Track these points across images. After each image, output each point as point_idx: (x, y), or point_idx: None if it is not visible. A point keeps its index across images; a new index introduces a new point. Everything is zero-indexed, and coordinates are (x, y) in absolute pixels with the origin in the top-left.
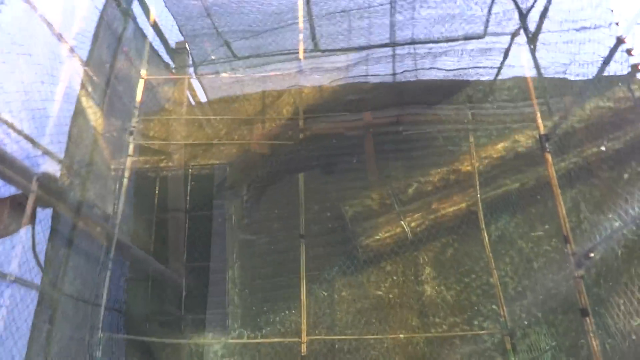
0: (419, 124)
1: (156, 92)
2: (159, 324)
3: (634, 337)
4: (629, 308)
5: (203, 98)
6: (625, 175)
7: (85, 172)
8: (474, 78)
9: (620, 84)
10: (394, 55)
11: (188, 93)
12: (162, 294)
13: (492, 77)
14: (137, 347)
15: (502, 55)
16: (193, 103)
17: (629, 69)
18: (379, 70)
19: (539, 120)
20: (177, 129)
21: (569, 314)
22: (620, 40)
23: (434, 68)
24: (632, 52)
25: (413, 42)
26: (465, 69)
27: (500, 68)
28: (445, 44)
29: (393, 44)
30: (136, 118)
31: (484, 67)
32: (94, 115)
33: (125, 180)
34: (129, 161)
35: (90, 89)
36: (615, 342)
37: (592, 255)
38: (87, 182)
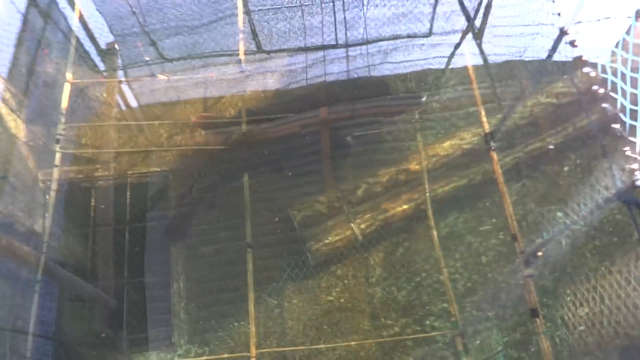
0: (372, 117)
1: (87, 96)
2: (96, 347)
3: (581, 327)
4: (575, 298)
5: (137, 102)
6: (566, 168)
7: (3, 185)
8: (423, 71)
9: (565, 76)
10: (347, 57)
11: (119, 97)
12: (100, 315)
13: (439, 74)
14: None
15: (452, 49)
16: (125, 108)
17: (572, 60)
18: (332, 69)
19: (484, 119)
20: (112, 135)
21: (518, 308)
22: (563, 32)
23: (386, 62)
24: (575, 44)
25: (366, 43)
26: (415, 60)
27: (447, 64)
28: (394, 41)
29: (345, 45)
30: (63, 125)
31: (434, 59)
32: (14, 125)
33: (53, 193)
34: (56, 172)
35: (8, 96)
36: (563, 334)
37: (540, 254)
38: (5, 196)
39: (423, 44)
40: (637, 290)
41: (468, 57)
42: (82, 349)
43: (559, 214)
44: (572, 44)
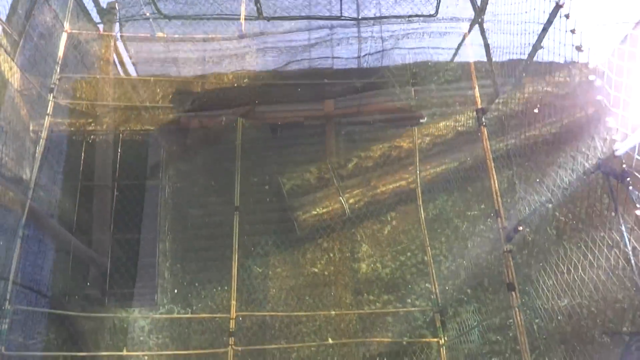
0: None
1: (83, 50)
2: (80, 299)
3: (560, 317)
4: (557, 289)
5: (134, 60)
6: (560, 160)
7: None
8: (431, 59)
9: (564, 64)
10: (359, 38)
11: (115, 55)
12: (85, 268)
13: (447, 59)
14: (56, 323)
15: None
16: (120, 65)
17: (572, 48)
18: (341, 53)
19: (477, 95)
20: (106, 90)
21: (499, 294)
22: (558, 5)
23: (396, 48)
24: (569, 16)
25: (373, 19)
26: (426, 48)
27: (455, 53)
28: (406, 27)
29: (350, 19)
30: (57, 75)
31: (441, 49)
32: (9, 70)
33: (43, 141)
34: (47, 121)
35: (4, 40)
36: (543, 322)
37: (520, 228)
38: None
39: (432, 32)
40: (614, 278)
41: (473, 46)
42: (64, 301)
43: (543, 190)
44: (567, 16)
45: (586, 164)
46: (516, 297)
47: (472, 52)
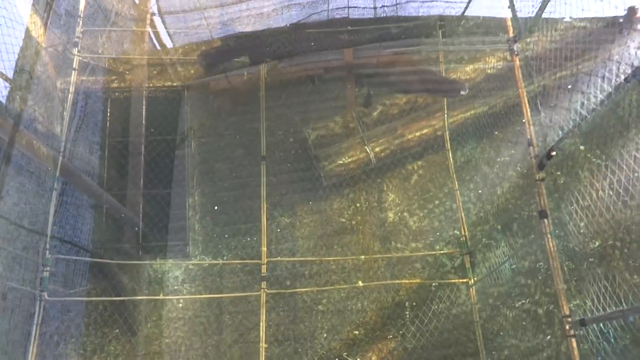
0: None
1: (105, 8)
2: (115, 253)
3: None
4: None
5: (157, 13)
6: (592, 100)
7: (27, 84)
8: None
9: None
10: None
11: (136, 10)
12: (118, 223)
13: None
14: (94, 275)
15: None
16: (157, 34)
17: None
18: (358, 2)
19: (509, 23)
20: (129, 47)
21: (529, 237)
22: None
23: (411, 1)
24: None
25: None
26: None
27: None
28: None
29: None
30: (80, 28)
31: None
32: (34, 25)
33: (70, 96)
34: (74, 76)
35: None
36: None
37: (554, 153)
38: (28, 95)
39: None
40: None
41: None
42: (101, 254)
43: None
44: None
45: (619, 73)
46: (549, 224)
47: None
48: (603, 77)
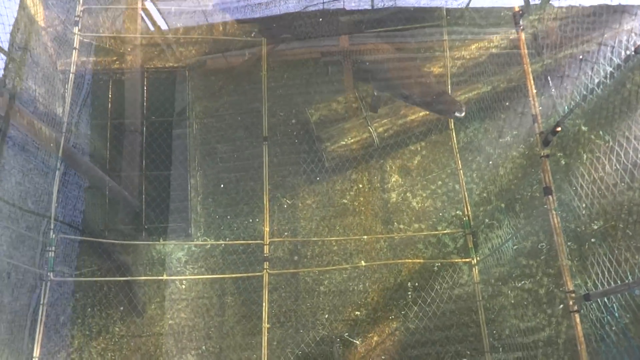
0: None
1: None
2: (119, 234)
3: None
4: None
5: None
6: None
7: (23, 60)
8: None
9: None
10: None
11: (143, 11)
12: (120, 205)
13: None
14: (97, 256)
15: None
16: (150, 16)
17: None
18: None
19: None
20: (129, 27)
21: (531, 218)
22: None
23: None
24: None
25: None
26: None
27: None
28: None
29: None
30: (81, 7)
31: None
32: (32, 5)
33: (72, 76)
34: (75, 55)
35: None
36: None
37: (559, 129)
38: (26, 73)
39: None
40: None
41: None
42: (104, 235)
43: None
44: None
45: (623, 52)
46: (553, 200)
47: None
48: (606, 57)
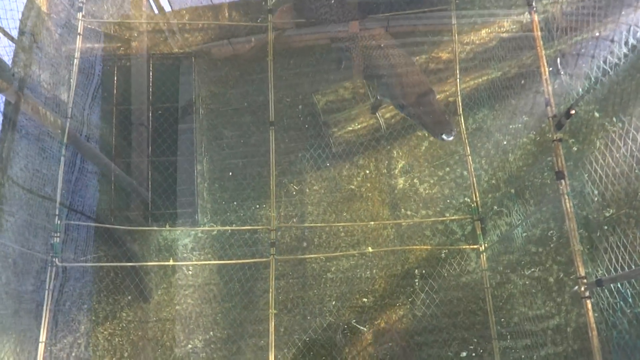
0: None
1: None
2: (125, 220)
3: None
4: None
5: None
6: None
7: (30, 47)
8: None
9: None
10: None
11: None
12: (126, 192)
13: None
14: (104, 242)
15: None
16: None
17: None
18: None
19: None
20: (134, 13)
21: (540, 205)
22: None
23: None
24: None
25: None
26: None
27: None
28: None
29: None
30: None
31: None
32: None
33: (76, 61)
34: (79, 41)
35: None
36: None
37: (573, 112)
38: (32, 59)
39: None
40: None
41: None
42: (110, 221)
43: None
44: None
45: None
46: (565, 184)
47: None
48: (622, 37)
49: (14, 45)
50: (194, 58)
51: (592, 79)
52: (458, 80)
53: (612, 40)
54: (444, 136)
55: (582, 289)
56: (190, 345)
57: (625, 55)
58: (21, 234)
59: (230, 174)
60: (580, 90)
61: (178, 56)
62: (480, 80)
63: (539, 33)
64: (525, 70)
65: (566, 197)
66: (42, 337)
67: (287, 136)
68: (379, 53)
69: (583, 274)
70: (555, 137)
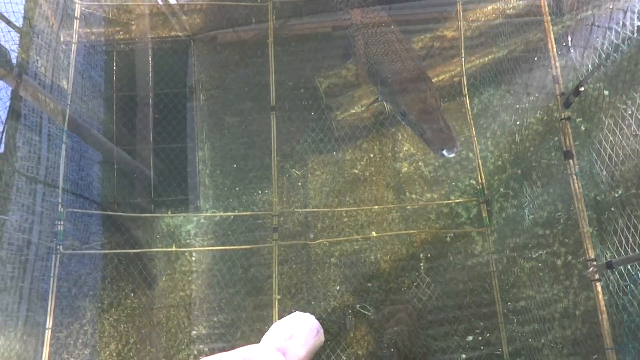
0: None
1: None
2: (128, 207)
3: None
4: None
5: None
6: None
7: (27, 32)
8: None
9: None
10: None
11: None
12: (130, 178)
13: None
14: (107, 229)
15: None
16: None
17: None
18: None
19: None
20: None
21: (548, 187)
22: None
23: None
24: None
25: None
26: None
27: None
28: None
29: None
30: None
31: None
32: None
33: (74, 47)
34: (76, 25)
35: None
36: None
37: (582, 89)
38: (31, 45)
39: None
40: None
41: None
42: (113, 209)
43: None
44: None
45: None
46: (574, 164)
47: None
48: (636, 11)
49: (10, 30)
50: (193, 42)
51: (603, 54)
52: (463, 59)
53: (626, 12)
54: (444, 152)
55: (592, 270)
56: (194, 331)
57: (639, 28)
58: (25, 220)
59: (232, 159)
60: (590, 66)
61: (178, 40)
62: (486, 59)
63: (547, 8)
64: (532, 48)
65: (574, 177)
66: (49, 323)
67: (289, 120)
68: (384, 49)
69: (593, 256)
70: (563, 116)
